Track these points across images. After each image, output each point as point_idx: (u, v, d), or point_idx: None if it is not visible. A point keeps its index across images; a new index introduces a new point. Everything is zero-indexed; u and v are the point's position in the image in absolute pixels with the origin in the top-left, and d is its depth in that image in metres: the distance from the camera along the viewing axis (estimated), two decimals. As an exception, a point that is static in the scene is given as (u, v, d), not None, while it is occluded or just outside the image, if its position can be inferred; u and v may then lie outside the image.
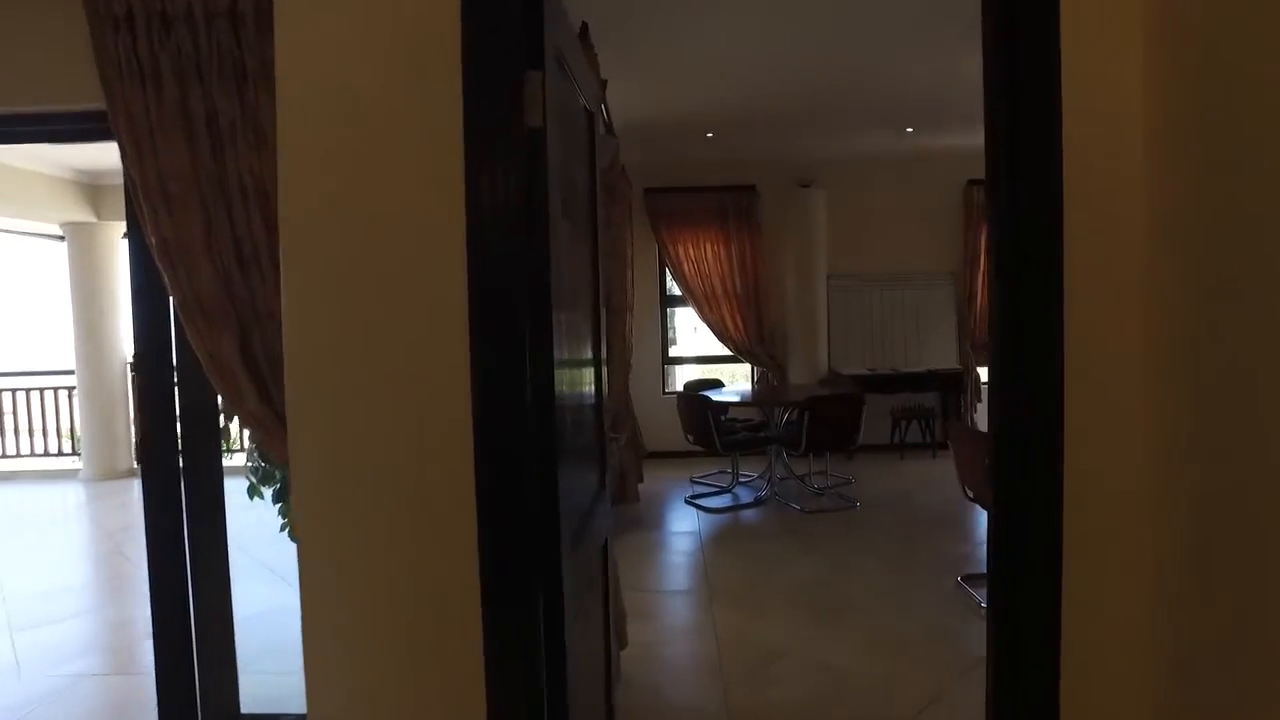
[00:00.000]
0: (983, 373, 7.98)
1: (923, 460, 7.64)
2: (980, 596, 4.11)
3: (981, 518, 5.50)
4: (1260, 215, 1.15)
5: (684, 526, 5.74)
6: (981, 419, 8.01)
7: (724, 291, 7.96)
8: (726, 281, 7.95)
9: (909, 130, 7.09)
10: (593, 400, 2.21)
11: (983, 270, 7.81)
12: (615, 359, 4.96)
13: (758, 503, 6.28)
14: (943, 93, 5.94)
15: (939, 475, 6.99)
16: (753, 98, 5.98)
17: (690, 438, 6.36)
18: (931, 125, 6.95)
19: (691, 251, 7.97)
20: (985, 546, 4.85)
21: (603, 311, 2.33)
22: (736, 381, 8.57)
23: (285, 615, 2.03)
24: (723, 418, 6.48)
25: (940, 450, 7.89)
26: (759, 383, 8.10)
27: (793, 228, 7.81)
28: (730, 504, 6.30)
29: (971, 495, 4.28)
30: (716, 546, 5.26)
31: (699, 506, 6.20)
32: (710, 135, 7.14)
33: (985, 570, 1.72)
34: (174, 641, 2.45)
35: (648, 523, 5.82)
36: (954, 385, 7.74)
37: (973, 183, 7.80)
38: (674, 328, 9.64)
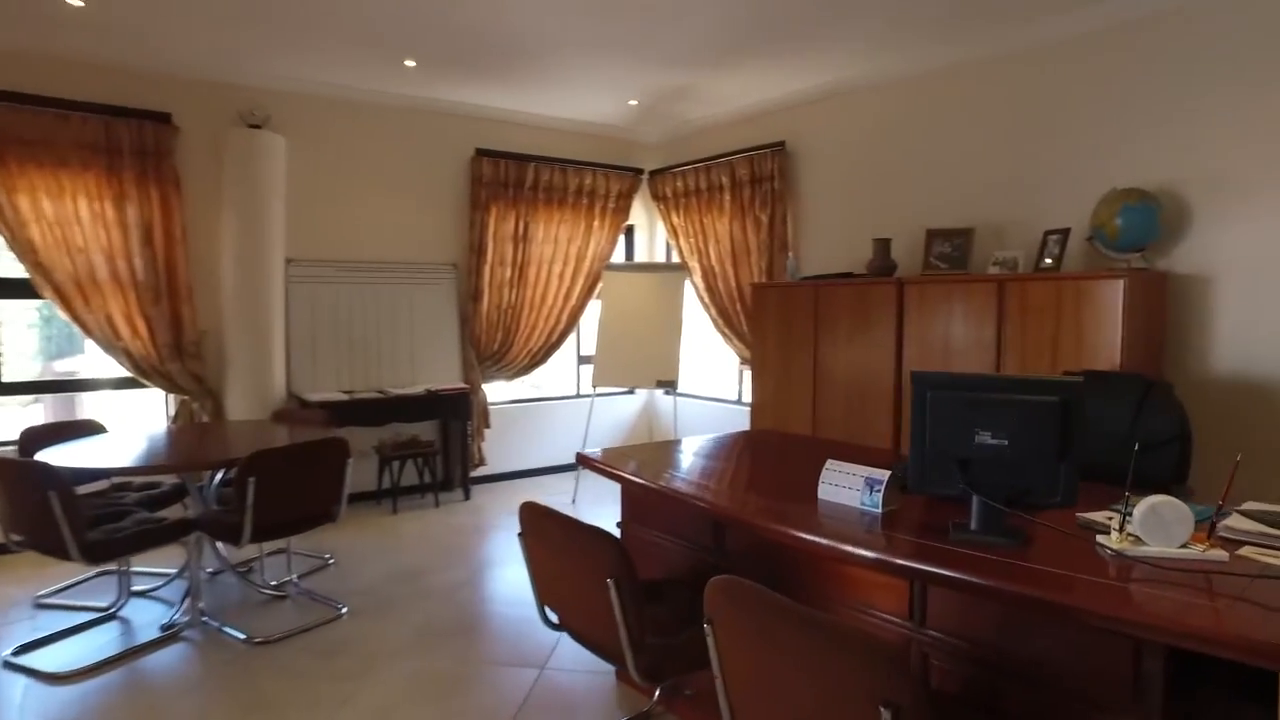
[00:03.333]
0: (490, 390, 6.44)
1: (424, 511, 5.75)
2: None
3: (533, 623, 3.88)
4: None
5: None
6: (491, 450, 6.46)
7: (111, 275, 4.95)
8: (116, 260, 4.96)
9: (410, 64, 5.14)
10: None
11: (489, 263, 6.27)
12: None
13: (170, 635, 3.64)
14: (458, 10, 4.15)
15: (450, 535, 5.17)
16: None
17: (17, 538, 3.39)
18: (439, 63, 5.11)
19: (48, 207, 4.78)
20: (560, 674, 2.85)
21: None
22: (138, 419, 5.54)
23: None
24: (91, 490, 3.68)
25: (443, 493, 6.11)
26: (177, 420, 5.27)
27: (235, 187, 5.22)
28: (116, 649, 3.52)
29: (558, 623, 2.52)
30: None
31: (33, 672, 3.29)
32: (80, 3, 4.19)
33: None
34: None
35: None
36: (458, 410, 6.02)
37: (482, 153, 6.19)
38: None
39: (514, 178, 6.30)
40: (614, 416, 7.17)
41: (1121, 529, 1.97)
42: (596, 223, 6.73)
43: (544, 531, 2.40)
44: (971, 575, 1.83)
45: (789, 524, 2.24)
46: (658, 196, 6.94)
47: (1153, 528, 1.91)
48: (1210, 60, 3.82)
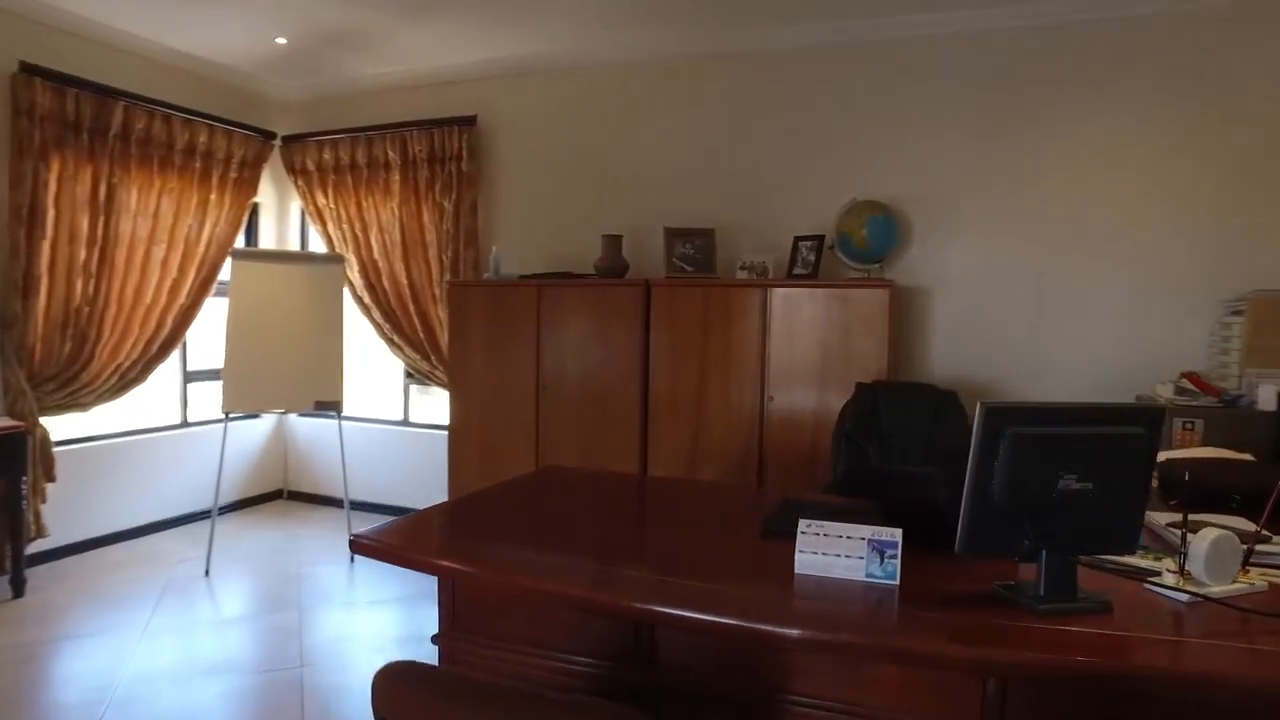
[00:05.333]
0: (54, 426, 4.39)
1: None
2: None
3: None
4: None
5: None
6: (59, 513, 4.44)
7: None
8: None
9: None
10: None
11: (50, 239, 4.27)
12: None
13: None
14: None
15: None
16: None
17: None
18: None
19: None
20: None
21: None
22: None
23: None
24: None
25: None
26: None
27: None
28: None
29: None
30: None
31: None
32: None
33: None
34: None
35: None
36: (3, 460, 3.96)
37: (33, 71, 4.16)
38: None
39: (92, 118, 4.37)
40: (233, 449, 5.49)
41: (1182, 569, 1.73)
42: (215, 195, 5.06)
43: None
44: (1108, 661, 1.43)
45: (784, 621, 1.60)
46: (295, 169, 5.50)
47: (1214, 565, 1.70)
48: (929, 90, 4.08)
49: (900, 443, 3.26)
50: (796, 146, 4.33)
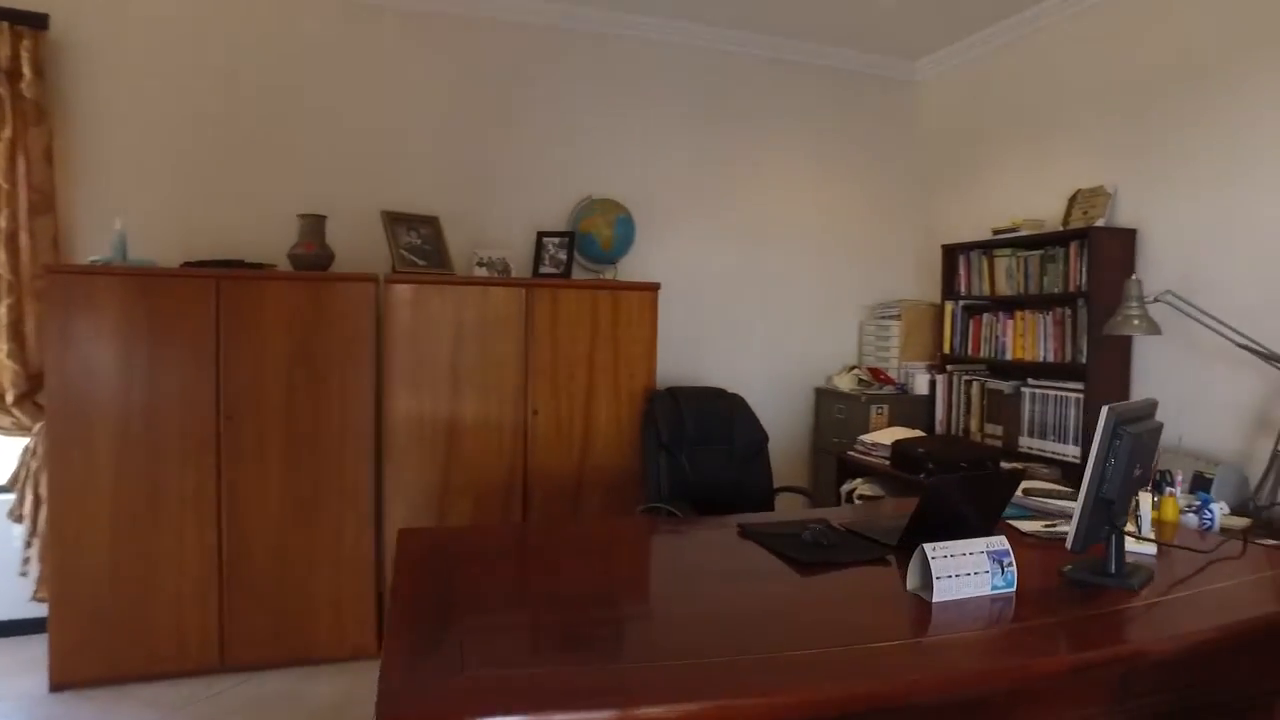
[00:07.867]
0: None
1: None
2: None
3: None
4: None
5: None
6: None
7: None
8: None
9: None
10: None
11: None
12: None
13: None
14: None
15: None
16: None
17: None
18: None
19: None
20: None
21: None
22: None
23: None
24: None
25: None
26: None
27: None
28: None
29: None
30: None
31: None
32: None
33: None
34: None
35: None
36: None
37: None
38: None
39: None
40: None
41: (1140, 529, 2.16)
42: None
43: None
44: (1197, 624, 1.74)
45: (1042, 655, 1.59)
46: None
47: (1147, 522, 2.18)
48: (654, 94, 4.18)
49: (707, 449, 3.30)
50: (520, 134, 3.99)
